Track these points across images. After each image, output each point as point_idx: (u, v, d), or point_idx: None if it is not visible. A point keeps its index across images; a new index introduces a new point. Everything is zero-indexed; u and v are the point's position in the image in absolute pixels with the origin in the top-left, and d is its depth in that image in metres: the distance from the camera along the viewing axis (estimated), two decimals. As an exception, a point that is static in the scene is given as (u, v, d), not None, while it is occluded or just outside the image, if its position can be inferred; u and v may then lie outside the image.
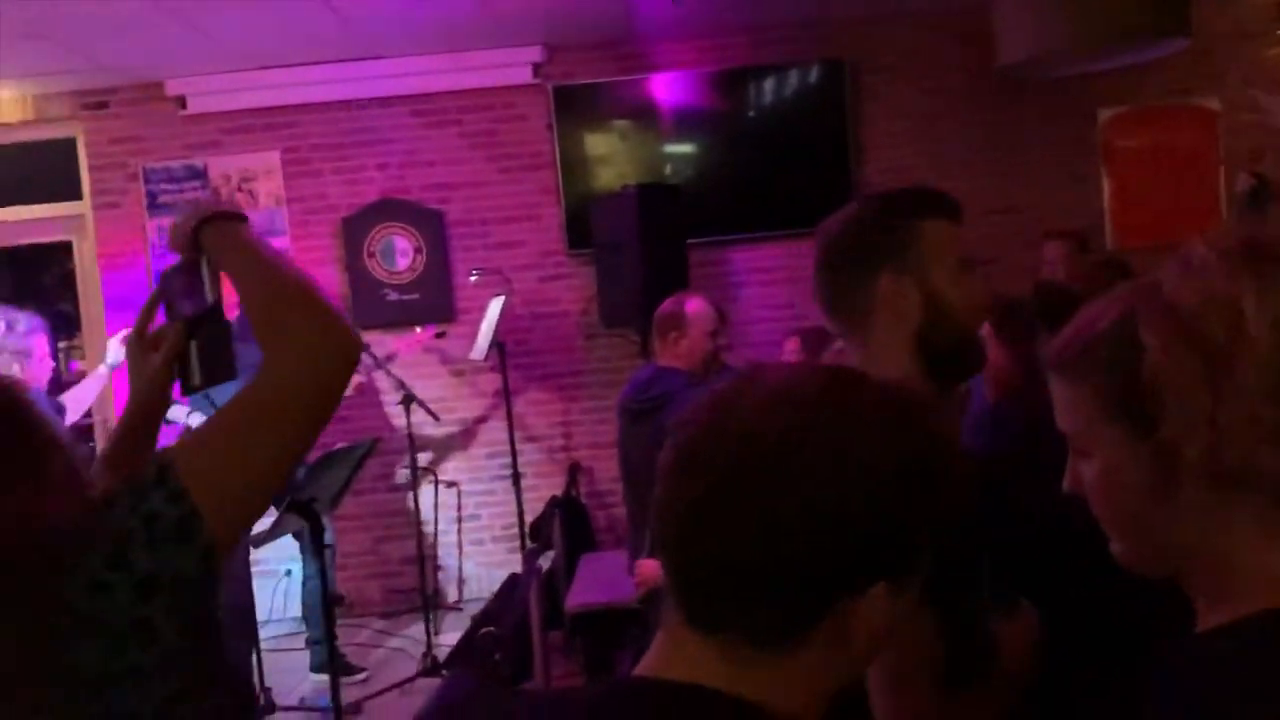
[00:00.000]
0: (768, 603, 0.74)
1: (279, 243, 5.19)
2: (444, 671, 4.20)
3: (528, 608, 3.38)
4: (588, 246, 5.16)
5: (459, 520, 5.33)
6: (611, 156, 5.35)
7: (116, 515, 1.02)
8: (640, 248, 4.61)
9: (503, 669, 2.78)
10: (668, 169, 5.36)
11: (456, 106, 5.26)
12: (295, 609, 5.06)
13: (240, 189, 5.25)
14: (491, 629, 2.70)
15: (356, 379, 4.34)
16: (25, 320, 3.35)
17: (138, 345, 1.33)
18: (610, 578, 3.84)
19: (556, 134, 5.25)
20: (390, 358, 4.36)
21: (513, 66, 5.18)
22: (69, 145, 5.34)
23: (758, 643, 0.75)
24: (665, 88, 5.28)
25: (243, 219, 1.24)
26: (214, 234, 1.21)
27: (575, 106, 5.26)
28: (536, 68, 5.21)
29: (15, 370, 3.30)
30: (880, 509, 0.73)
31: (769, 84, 5.33)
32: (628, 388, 3.41)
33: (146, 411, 1.35)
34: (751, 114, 5.35)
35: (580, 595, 3.79)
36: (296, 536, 4.17)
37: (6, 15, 4.07)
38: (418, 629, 4.79)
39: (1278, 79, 5.24)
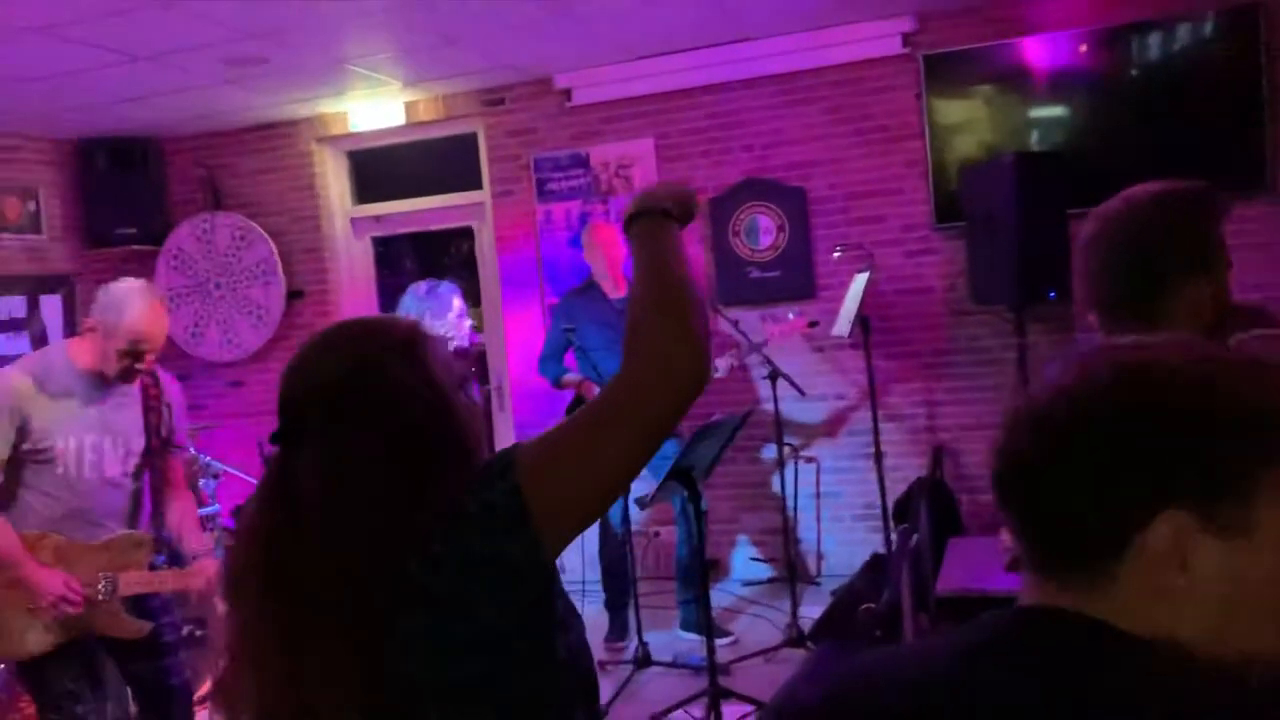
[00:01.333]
0: (1064, 537, 0.81)
1: (651, 224, 5.47)
2: (808, 644, 4.27)
3: (899, 588, 3.35)
4: (956, 219, 4.98)
5: (818, 496, 5.37)
6: (977, 125, 5.12)
7: (466, 492, 1.12)
8: (1017, 220, 4.39)
9: (882, 646, 2.79)
10: (1034, 135, 5.04)
11: (822, 83, 5.26)
12: (663, 569, 5.35)
13: (618, 174, 5.58)
14: (871, 605, 2.71)
15: (732, 362, 4.48)
16: (444, 285, 3.77)
17: None
18: (981, 564, 3.70)
19: (925, 104, 5.10)
20: (764, 343, 4.47)
21: (882, 39, 5.09)
22: (472, 140, 5.94)
23: (1065, 581, 0.81)
24: (1038, 50, 4.96)
25: (672, 218, 1.26)
26: (641, 227, 1.26)
27: (945, 75, 5.08)
28: (906, 37, 5.09)
29: (425, 318, 3.69)
30: (1136, 439, 0.76)
31: (1155, 39, 4.85)
32: None
33: None
34: (1134, 73, 4.90)
35: (950, 580, 3.69)
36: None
37: (427, 26, 4.59)
38: (779, 599, 4.90)
39: None
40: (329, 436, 1.17)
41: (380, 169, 6.32)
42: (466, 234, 6.34)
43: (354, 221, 6.36)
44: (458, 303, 3.72)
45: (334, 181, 6.28)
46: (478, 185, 5.98)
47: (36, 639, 2.68)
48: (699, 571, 3.74)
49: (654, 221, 1.25)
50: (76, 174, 6.07)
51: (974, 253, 4.82)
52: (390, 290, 6.71)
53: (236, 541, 1.23)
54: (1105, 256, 1.42)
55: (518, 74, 5.55)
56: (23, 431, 2.66)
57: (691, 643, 4.53)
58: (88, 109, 5.42)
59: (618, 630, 4.63)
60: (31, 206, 5.90)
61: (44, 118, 5.55)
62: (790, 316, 4.58)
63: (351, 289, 6.34)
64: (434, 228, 6.34)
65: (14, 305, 5.39)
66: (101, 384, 2.77)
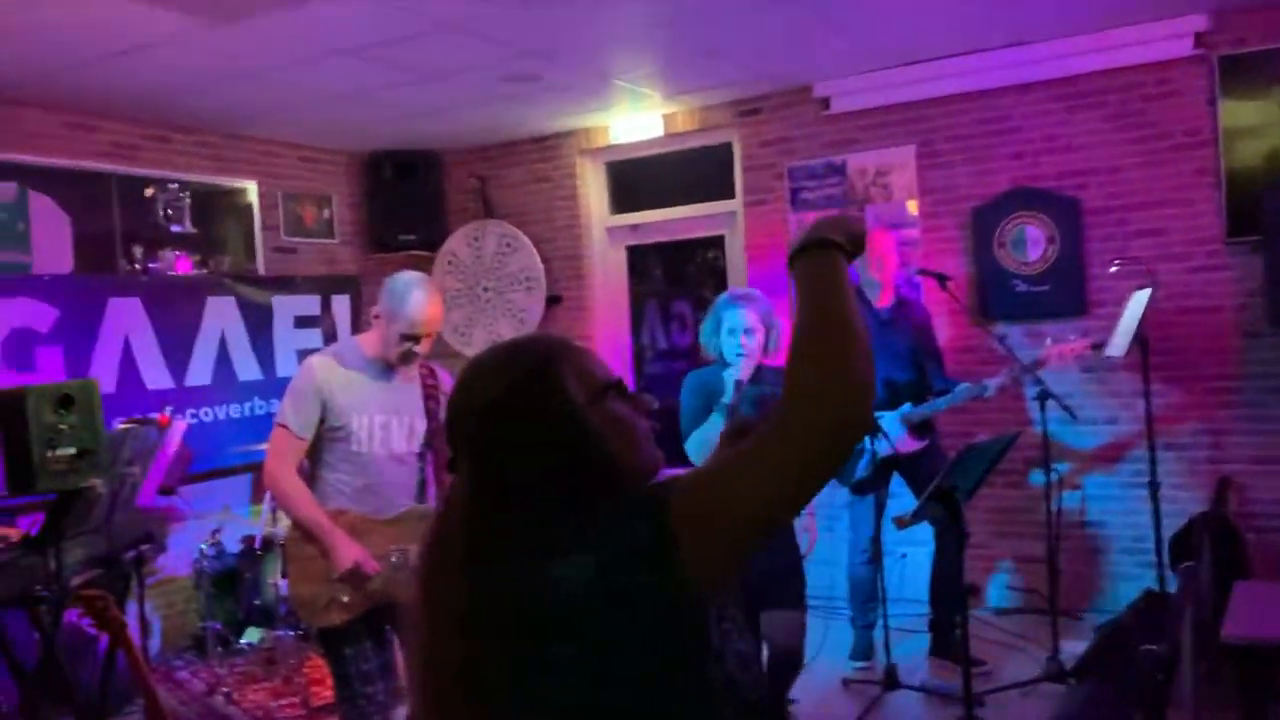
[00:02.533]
0: None
1: (908, 234, 5.34)
2: (1070, 680, 4.03)
3: (1179, 631, 3.10)
4: (1251, 233, 4.57)
5: (1083, 526, 5.06)
6: (1276, 131, 4.66)
7: (614, 526, 1.12)
8: (1329, 235, 3.97)
9: (1163, 692, 2.58)
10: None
11: (1101, 87, 4.95)
12: (910, 590, 5.20)
13: (875, 183, 5.48)
14: (1153, 647, 2.52)
15: (1004, 382, 4.29)
16: (744, 301, 3.54)
17: None
18: (1273, 611, 3.40)
19: (1219, 108, 4.71)
20: (1042, 363, 4.26)
21: (1170, 39, 4.73)
22: (726, 149, 6.01)
23: None
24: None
25: (841, 251, 1.18)
26: (807, 261, 1.18)
27: (1243, 76, 4.66)
28: (1199, 37, 4.71)
29: (713, 333, 3.52)
30: None
31: None
32: None
33: None
34: None
35: (1239, 626, 3.39)
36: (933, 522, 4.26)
37: (690, 40, 4.68)
38: (1037, 631, 4.66)
39: None
40: (470, 463, 1.24)
41: (636, 179, 6.51)
42: (711, 243, 6.42)
43: (610, 230, 6.57)
44: (740, 319, 3.34)
45: (593, 192, 6.52)
46: (730, 194, 6.04)
47: (339, 609, 2.92)
48: (957, 597, 3.61)
49: (821, 255, 1.18)
50: (365, 184, 6.62)
51: (1273, 270, 4.40)
52: (638, 297, 6.88)
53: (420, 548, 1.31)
54: None
55: (775, 83, 5.57)
56: (324, 410, 2.94)
57: (940, 668, 4.38)
58: (378, 124, 5.89)
59: (863, 650, 4.55)
60: (326, 214, 6.48)
61: (340, 132, 6.08)
62: (1071, 338, 4.33)
63: (605, 295, 6.56)
64: (686, 236, 6.45)
65: (310, 303, 5.93)
66: (386, 369, 3.04)
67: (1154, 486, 4.45)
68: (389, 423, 3.02)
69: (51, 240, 5.01)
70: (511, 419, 1.21)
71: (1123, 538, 4.97)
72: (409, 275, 3.03)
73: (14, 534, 3.30)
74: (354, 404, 2.98)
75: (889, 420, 4.27)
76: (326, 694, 4.48)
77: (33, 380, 4.23)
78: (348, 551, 2.87)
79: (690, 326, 6.81)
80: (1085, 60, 4.93)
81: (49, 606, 2.89)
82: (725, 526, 1.08)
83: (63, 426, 2.68)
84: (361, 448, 2.99)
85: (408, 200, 6.54)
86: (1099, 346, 4.37)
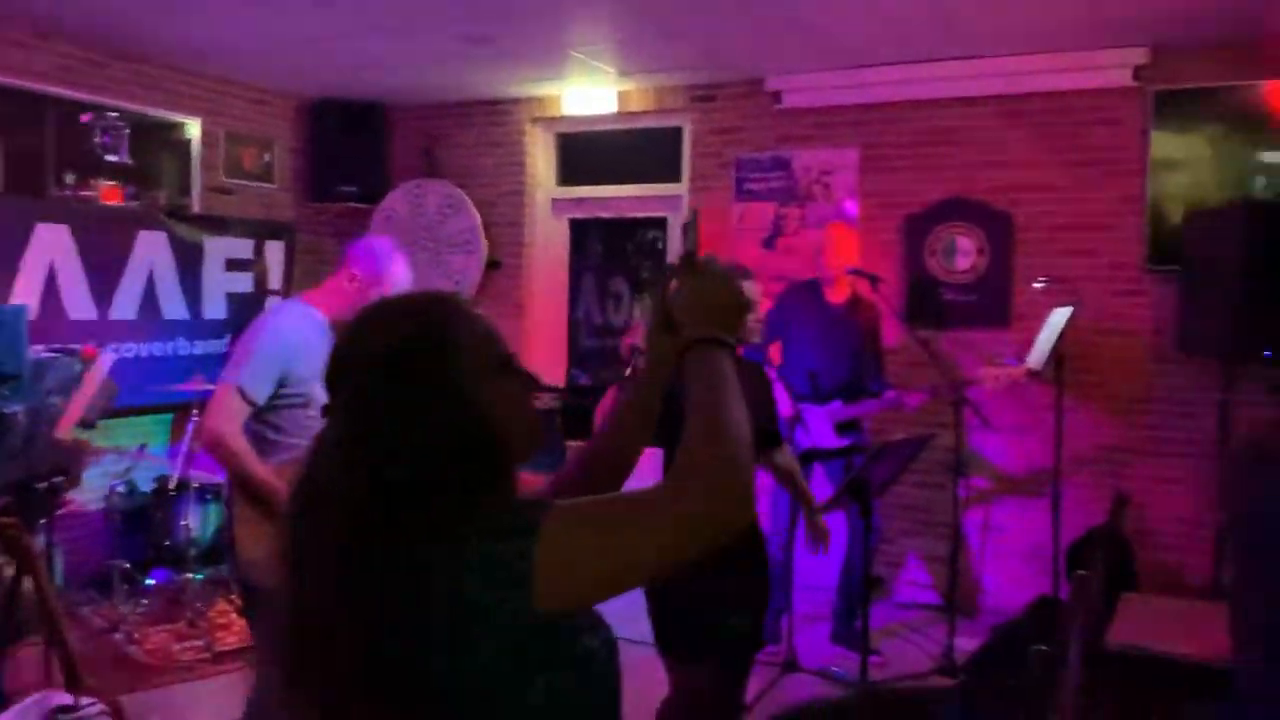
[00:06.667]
0: None
1: (846, 233, 5.45)
2: (960, 675, 4.20)
3: (1068, 636, 3.26)
4: (1170, 262, 4.77)
5: (985, 529, 5.25)
6: (1200, 165, 4.86)
7: (484, 535, 1.08)
8: (1240, 270, 4.16)
9: (1049, 692, 2.71)
10: (1260, 182, 4.75)
11: (1043, 109, 5.11)
12: (817, 578, 5.33)
13: (818, 181, 5.58)
14: (1044, 648, 2.65)
15: (923, 400, 4.46)
16: None
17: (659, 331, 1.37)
18: (1154, 624, 3.58)
19: (1150, 141, 4.89)
20: (970, 383, 4.40)
21: (1113, 69, 4.90)
22: (677, 133, 6.05)
23: None
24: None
25: (733, 350, 1.21)
26: (694, 358, 1.19)
27: (1174, 112, 4.86)
28: (1138, 70, 4.89)
29: None
30: None
31: None
32: None
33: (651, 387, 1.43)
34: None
35: (1123, 634, 3.58)
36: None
37: (649, 20, 4.70)
38: (933, 626, 4.83)
39: None
40: (346, 415, 1.18)
41: (585, 153, 6.52)
42: (653, 224, 6.47)
43: (555, 201, 6.58)
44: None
45: (542, 161, 6.51)
46: (677, 178, 6.09)
47: None
48: (860, 588, 3.73)
49: (707, 353, 1.19)
50: (308, 130, 6.51)
51: (1187, 299, 4.60)
52: (576, 272, 6.90)
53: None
54: None
55: (730, 73, 5.62)
56: (284, 376, 2.80)
57: (839, 655, 4.53)
58: (328, 72, 5.80)
59: (768, 634, 4.67)
60: (266, 157, 6.37)
61: (290, 76, 5.98)
62: (1006, 362, 4.48)
63: (545, 265, 6.57)
64: (630, 215, 6.49)
65: (243, 247, 5.83)
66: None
67: (1056, 498, 4.64)
68: None
69: (-22, 157, 4.86)
70: (397, 376, 1.15)
71: (1023, 544, 5.16)
72: (387, 240, 3.02)
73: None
74: (315, 371, 2.87)
75: (816, 415, 4.38)
76: (231, 639, 4.47)
77: (-51, 300, 4.11)
78: None
79: (626, 304, 6.85)
80: (1030, 80, 5.08)
81: (-44, 530, 2.83)
82: (587, 572, 1.07)
83: (-15, 350, 2.63)
84: (316, 413, 2.88)
85: (351, 151, 6.47)
86: (1037, 374, 4.47)
